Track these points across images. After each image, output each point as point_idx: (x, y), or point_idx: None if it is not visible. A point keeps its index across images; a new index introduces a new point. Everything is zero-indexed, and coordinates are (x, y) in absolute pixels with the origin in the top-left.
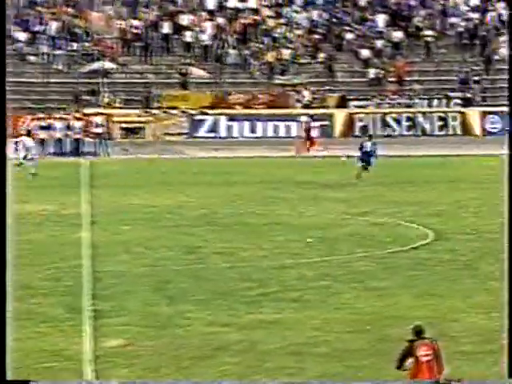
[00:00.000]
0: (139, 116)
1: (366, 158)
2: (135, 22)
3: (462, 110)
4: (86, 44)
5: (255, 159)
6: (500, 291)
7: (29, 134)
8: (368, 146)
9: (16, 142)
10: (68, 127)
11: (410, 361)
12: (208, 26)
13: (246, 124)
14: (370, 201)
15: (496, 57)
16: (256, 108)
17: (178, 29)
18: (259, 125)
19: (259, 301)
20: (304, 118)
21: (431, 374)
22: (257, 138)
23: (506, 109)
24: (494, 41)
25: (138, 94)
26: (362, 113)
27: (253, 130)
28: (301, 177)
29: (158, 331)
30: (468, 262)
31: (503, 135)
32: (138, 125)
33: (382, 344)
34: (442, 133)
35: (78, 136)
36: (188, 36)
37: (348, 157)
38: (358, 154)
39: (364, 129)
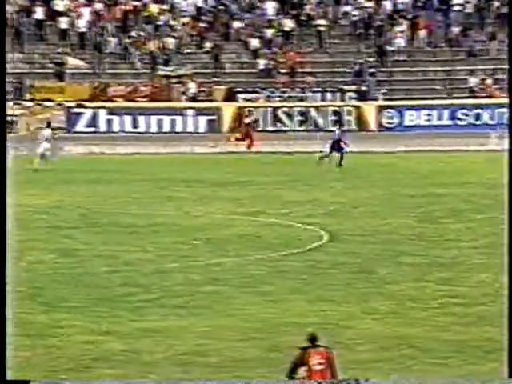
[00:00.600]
0: (10, 109)
1: (337, 146)
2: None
3: (357, 103)
4: None
5: (138, 156)
6: (396, 293)
7: None
8: (337, 134)
9: None
10: None
11: (302, 369)
12: (85, 12)
13: (128, 118)
14: (262, 200)
15: (391, 48)
16: (138, 101)
17: (53, 14)
18: (142, 119)
19: (143, 307)
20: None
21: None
22: (139, 133)
23: (403, 102)
24: (389, 31)
25: (8, 84)
26: (252, 106)
27: (135, 125)
28: (189, 175)
29: (33, 341)
30: (363, 264)
31: (400, 131)
32: (8, 118)
33: (275, 352)
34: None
35: None
36: (63, 22)
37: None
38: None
39: (255, 123)
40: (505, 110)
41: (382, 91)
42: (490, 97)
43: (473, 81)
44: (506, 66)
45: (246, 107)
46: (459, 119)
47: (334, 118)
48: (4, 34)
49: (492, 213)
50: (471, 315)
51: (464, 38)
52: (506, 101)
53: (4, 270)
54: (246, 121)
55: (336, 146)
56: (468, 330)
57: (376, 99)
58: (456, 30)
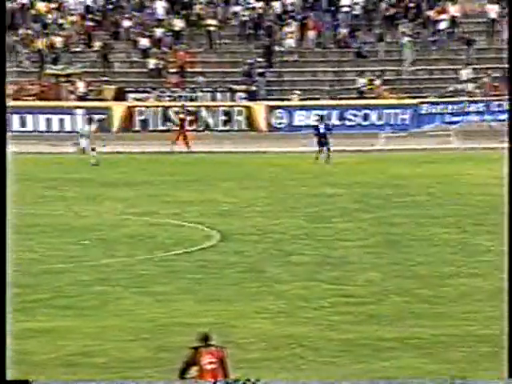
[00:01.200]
0: None
1: (324, 140)
2: None
3: (247, 104)
4: None
5: (26, 155)
6: (287, 293)
7: None
8: (322, 127)
9: None
10: None
11: (194, 369)
12: None
13: (15, 117)
14: (154, 200)
15: (281, 48)
16: (25, 100)
17: None
18: (29, 118)
19: (30, 308)
20: (176, 109)
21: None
22: (27, 132)
23: (293, 103)
24: (278, 32)
25: None
26: (142, 106)
27: (22, 124)
28: (79, 175)
29: None
30: (254, 264)
31: (290, 131)
32: None
33: (165, 352)
34: (227, 128)
35: None
36: None
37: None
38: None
39: (145, 122)
40: (392, 110)
41: (272, 91)
42: (378, 98)
43: (361, 82)
44: (396, 67)
45: (136, 107)
46: (348, 119)
47: (223, 117)
48: (4, 35)
49: (381, 212)
50: (360, 314)
51: (352, 39)
52: (394, 101)
53: (4, 270)
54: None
55: (322, 139)
56: (357, 329)
57: (265, 99)
58: (344, 31)
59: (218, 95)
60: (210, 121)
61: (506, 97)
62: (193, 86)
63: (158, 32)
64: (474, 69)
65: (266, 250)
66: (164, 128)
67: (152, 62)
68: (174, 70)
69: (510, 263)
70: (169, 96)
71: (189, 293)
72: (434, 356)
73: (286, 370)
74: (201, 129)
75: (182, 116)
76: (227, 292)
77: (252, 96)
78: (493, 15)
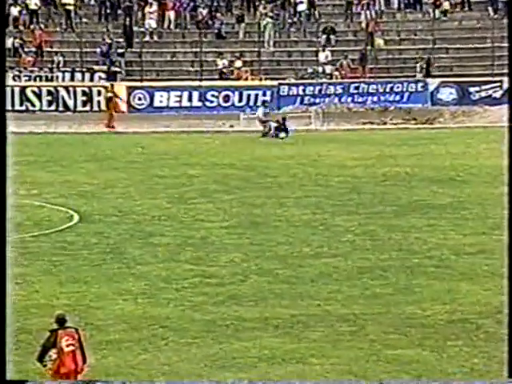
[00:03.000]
0: None
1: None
2: None
3: (107, 84)
4: None
5: None
6: (148, 274)
7: None
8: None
9: None
10: None
11: (53, 352)
12: None
13: None
14: (13, 181)
15: (140, 29)
16: None
17: None
18: None
19: None
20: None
21: (75, 364)
22: None
23: (153, 84)
24: (138, 12)
25: None
26: None
27: None
28: None
29: None
30: (114, 245)
31: (150, 112)
32: None
33: (23, 335)
34: (86, 108)
35: None
36: None
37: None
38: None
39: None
40: (253, 91)
41: (132, 72)
42: (238, 79)
43: (221, 63)
44: (256, 49)
45: None
46: (209, 101)
47: (83, 98)
48: (4, 35)
49: (242, 193)
50: (221, 294)
51: (212, 19)
52: (254, 83)
53: (4, 270)
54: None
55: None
56: (218, 309)
57: (126, 80)
58: (204, 11)
59: (77, 75)
60: (69, 101)
61: (364, 79)
62: (50, 65)
63: (14, 10)
64: (332, 51)
65: (127, 231)
66: (23, 108)
67: (8, 42)
68: (31, 50)
69: (510, 263)
70: (26, 76)
71: (48, 274)
72: (293, 335)
73: (147, 351)
74: (60, 109)
75: (109, 95)
76: (87, 273)
77: (111, 76)
78: None
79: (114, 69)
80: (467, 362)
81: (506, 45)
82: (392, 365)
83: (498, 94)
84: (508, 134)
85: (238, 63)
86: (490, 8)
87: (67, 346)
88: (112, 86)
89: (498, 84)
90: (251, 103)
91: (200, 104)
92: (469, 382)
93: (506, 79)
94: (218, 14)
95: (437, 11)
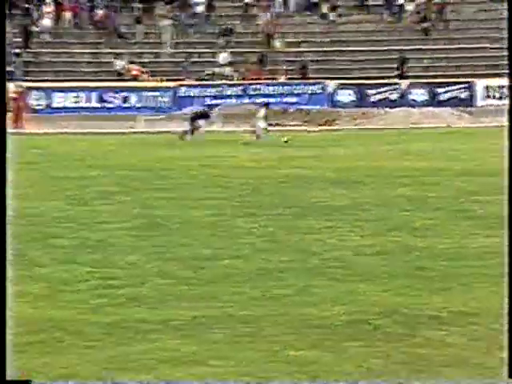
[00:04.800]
0: None
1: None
2: None
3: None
4: None
5: None
6: (47, 276)
7: None
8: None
9: None
10: None
11: None
12: None
13: None
14: None
15: (37, 29)
16: None
17: None
18: None
19: None
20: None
21: None
22: None
23: (51, 84)
24: (34, 11)
25: None
26: None
27: None
28: None
29: None
30: (13, 247)
31: (48, 113)
32: None
33: None
34: None
35: None
36: None
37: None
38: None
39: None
40: (152, 93)
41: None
42: (136, 80)
43: (119, 64)
44: (155, 50)
45: None
46: (107, 102)
47: None
48: (4, 34)
49: (142, 195)
50: (121, 297)
51: (109, 20)
52: (153, 84)
53: (4, 269)
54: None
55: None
56: (118, 312)
57: (23, 80)
58: (101, 12)
59: None
60: None
61: (263, 81)
62: None
63: None
64: (231, 53)
65: (26, 233)
66: None
67: None
68: None
69: (510, 263)
70: None
71: None
72: (194, 337)
73: (46, 354)
74: None
75: (15, 95)
76: None
77: (9, 77)
78: None
79: (10, 69)
80: (365, 362)
81: (402, 48)
82: (291, 365)
83: (394, 97)
84: (508, 134)
85: (137, 64)
86: (386, 11)
87: None
88: (19, 86)
89: (395, 86)
90: (151, 104)
91: (98, 105)
92: (469, 382)
93: (403, 81)
94: (116, 15)
95: (334, 14)
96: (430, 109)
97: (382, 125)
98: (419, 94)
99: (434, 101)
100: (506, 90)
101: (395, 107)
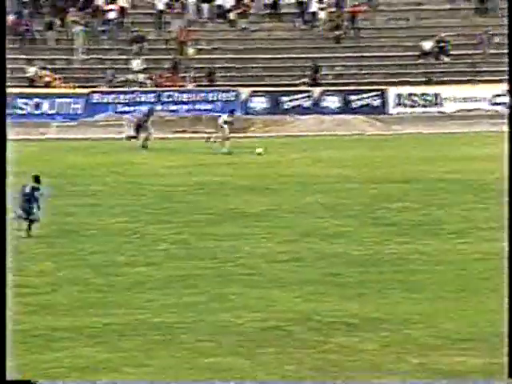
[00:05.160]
0: None
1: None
2: None
3: None
4: None
5: None
6: None
7: None
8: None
9: None
10: None
11: None
12: None
13: None
14: None
15: None
16: None
17: None
18: None
19: None
20: None
21: None
22: None
23: None
24: None
25: None
26: None
27: None
28: None
29: None
30: None
31: None
32: None
33: None
34: None
35: None
36: None
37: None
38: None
39: None
40: (64, 99)
41: None
42: (48, 86)
43: (31, 70)
44: (68, 56)
45: None
46: (19, 108)
47: None
48: (4, 34)
49: (54, 201)
50: (33, 304)
51: (20, 26)
52: (65, 91)
53: (4, 270)
54: None
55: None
56: (30, 319)
57: None
58: (12, 17)
59: None
60: None
61: (176, 88)
62: None
63: None
64: (145, 59)
65: None
66: None
67: None
68: None
69: (510, 263)
70: None
71: None
72: (107, 345)
73: None
74: None
75: None
76: None
77: None
78: (161, 6)
79: None
80: (279, 369)
81: (315, 55)
82: (206, 372)
83: (307, 104)
84: (508, 139)
85: (49, 70)
86: (298, 19)
87: None
88: None
89: (308, 94)
90: (63, 111)
91: (10, 111)
92: (469, 382)
93: (316, 89)
94: (28, 21)
95: (246, 21)
96: (343, 116)
97: (294, 132)
98: (332, 102)
99: (346, 108)
100: (417, 98)
101: (308, 114)
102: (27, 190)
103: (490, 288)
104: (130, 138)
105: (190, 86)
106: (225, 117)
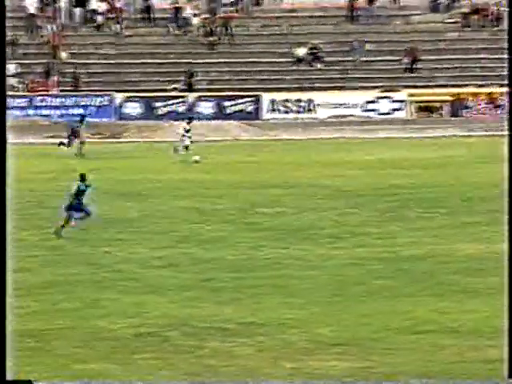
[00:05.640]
0: None
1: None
2: None
3: None
4: None
5: None
6: None
7: None
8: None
9: None
10: None
11: None
12: None
13: None
14: None
15: None
16: None
17: None
18: None
19: None
20: None
21: None
22: None
23: None
24: None
25: None
26: None
27: None
28: None
29: None
30: None
31: None
32: None
33: None
34: None
35: None
36: None
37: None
38: None
39: None
40: None
41: None
42: None
43: None
44: None
45: None
46: None
47: None
48: (4, 34)
49: None
50: None
51: None
52: None
53: (4, 269)
54: None
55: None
56: None
57: None
58: None
59: None
60: None
61: (50, 92)
62: None
63: None
64: (17, 64)
65: None
66: None
67: None
68: None
69: (510, 263)
70: None
71: None
72: None
73: None
74: None
75: None
76: None
77: None
78: (32, 10)
79: None
80: (153, 374)
81: (189, 61)
82: (78, 378)
83: (182, 109)
84: (508, 143)
85: None
86: (172, 24)
87: None
88: None
89: (183, 99)
90: None
91: None
92: (469, 382)
93: (191, 94)
94: None
95: (119, 26)
96: (217, 122)
97: (169, 137)
98: (206, 107)
99: (220, 114)
100: (290, 104)
101: (183, 120)
102: (75, 187)
103: (363, 292)
104: (61, 144)
105: (54, 91)
106: (184, 124)
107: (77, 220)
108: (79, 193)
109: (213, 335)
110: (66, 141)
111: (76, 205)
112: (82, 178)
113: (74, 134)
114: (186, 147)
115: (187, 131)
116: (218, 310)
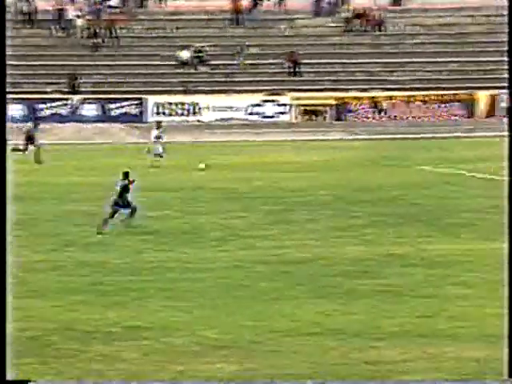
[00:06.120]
0: None
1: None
2: None
3: None
4: None
5: None
6: None
7: None
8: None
9: None
10: None
11: None
12: None
13: None
14: None
15: None
16: None
17: None
18: None
19: None
20: None
21: None
22: None
23: None
24: None
25: None
26: None
27: None
28: None
29: None
30: None
31: None
32: None
33: None
34: None
35: None
36: None
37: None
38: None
39: None
40: None
41: None
42: None
43: None
44: None
45: None
46: None
47: None
48: (4, 34)
49: None
50: None
51: None
52: None
53: (4, 269)
54: None
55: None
56: None
57: None
58: None
59: None
60: None
61: None
62: None
63: None
64: None
65: None
66: None
67: None
68: None
69: (510, 262)
70: None
71: None
72: None
73: None
74: None
75: None
76: None
77: None
78: None
79: None
80: (35, 382)
81: (73, 63)
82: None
83: (66, 112)
84: (508, 144)
85: None
86: (55, 26)
87: None
88: None
89: (66, 102)
90: None
91: None
92: (469, 382)
93: (75, 97)
94: None
95: None
96: (101, 124)
97: (53, 140)
98: (90, 110)
99: (105, 116)
100: (175, 107)
101: (66, 122)
102: (119, 185)
103: (248, 295)
104: (16, 149)
105: None
106: (155, 131)
107: (125, 216)
108: (123, 190)
109: (98, 339)
110: (22, 146)
111: (121, 202)
112: (126, 175)
113: (30, 139)
114: (160, 155)
115: (158, 138)
116: (103, 313)
